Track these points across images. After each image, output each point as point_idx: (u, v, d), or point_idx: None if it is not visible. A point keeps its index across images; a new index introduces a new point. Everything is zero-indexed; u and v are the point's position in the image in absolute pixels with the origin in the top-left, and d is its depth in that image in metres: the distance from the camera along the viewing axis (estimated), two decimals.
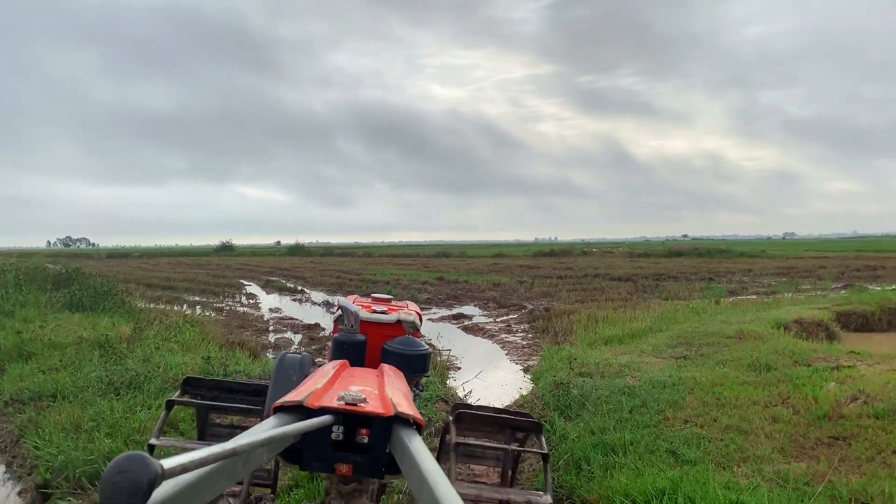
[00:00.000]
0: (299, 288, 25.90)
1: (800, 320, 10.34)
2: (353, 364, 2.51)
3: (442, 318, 15.75)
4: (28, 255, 48.95)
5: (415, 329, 3.21)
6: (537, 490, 2.74)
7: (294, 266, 44.67)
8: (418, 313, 3.48)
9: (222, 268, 45.91)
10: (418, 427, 1.61)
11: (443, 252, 69.06)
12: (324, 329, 13.95)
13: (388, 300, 3.63)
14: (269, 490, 3.21)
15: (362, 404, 1.60)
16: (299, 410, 1.56)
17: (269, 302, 21.28)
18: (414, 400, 2.42)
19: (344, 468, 1.59)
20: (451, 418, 2.92)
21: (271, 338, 12.78)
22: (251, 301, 21.62)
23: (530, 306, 17.69)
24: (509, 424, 2.92)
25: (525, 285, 23.90)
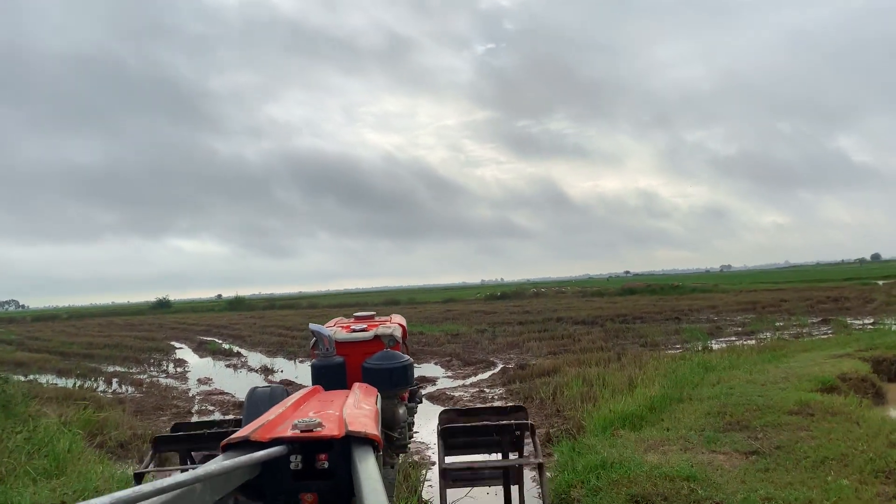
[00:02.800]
0: (235, 350, 23.28)
1: (843, 376, 8.61)
2: (333, 387, 2.48)
3: None
4: None
5: (395, 342, 3.07)
6: None
7: (232, 322, 41.87)
8: (402, 325, 3.36)
9: (155, 327, 42.97)
10: (375, 445, 1.57)
11: (391, 299, 66.73)
12: None
13: (371, 316, 3.52)
14: None
15: (318, 429, 1.56)
16: (247, 445, 1.51)
17: (199, 369, 18.68)
18: (410, 413, 2.76)
19: (308, 498, 1.55)
20: (438, 430, 2.99)
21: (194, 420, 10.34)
22: (179, 369, 18.98)
23: (500, 363, 15.64)
24: (503, 430, 2.88)
25: (487, 335, 21.90)
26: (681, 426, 6.43)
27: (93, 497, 0.83)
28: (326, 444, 1.55)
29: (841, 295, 34.64)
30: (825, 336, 17.29)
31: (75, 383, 15.85)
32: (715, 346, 16.05)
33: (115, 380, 16.50)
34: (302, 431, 1.55)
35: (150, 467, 2.72)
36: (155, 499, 1.05)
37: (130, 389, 15.01)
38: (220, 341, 28.14)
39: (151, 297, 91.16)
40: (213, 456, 3.00)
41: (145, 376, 17.43)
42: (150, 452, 2.83)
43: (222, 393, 13.57)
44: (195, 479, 1.17)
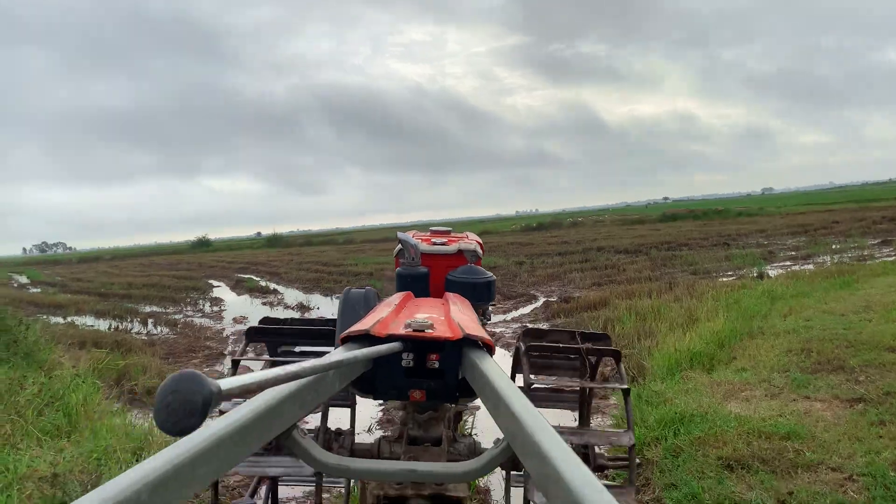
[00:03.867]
0: (272, 287, 23.00)
1: None
2: (417, 296, 2.51)
3: None
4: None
5: (476, 258, 3.05)
6: (616, 429, 2.72)
7: (270, 259, 41.88)
8: (479, 242, 3.36)
9: (194, 266, 43.18)
10: (489, 349, 1.63)
11: None
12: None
13: (447, 232, 3.52)
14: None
15: (430, 330, 1.63)
16: (366, 339, 1.58)
17: (235, 308, 18.40)
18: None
19: (417, 394, 1.64)
20: (519, 347, 2.74)
21: (226, 365, 9.93)
22: (214, 308, 18.73)
23: (541, 296, 14.94)
24: (586, 351, 2.67)
25: (525, 267, 21.16)
26: (760, 366, 5.66)
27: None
28: (439, 344, 1.63)
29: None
30: (892, 258, 16.16)
31: (110, 325, 15.70)
32: (771, 273, 15.11)
33: (150, 320, 16.28)
34: (415, 331, 1.61)
35: (247, 356, 2.78)
36: (294, 382, 1.14)
37: (165, 330, 14.76)
38: (258, 279, 27.96)
39: (192, 236, 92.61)
40: (291, 352, 3.03)
41: (181, 316, 17.21)
42: (244, 342, 2.88)
43: None
44: (329, 366, 1.25)
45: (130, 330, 15.01)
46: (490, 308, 3.31)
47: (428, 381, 1.64)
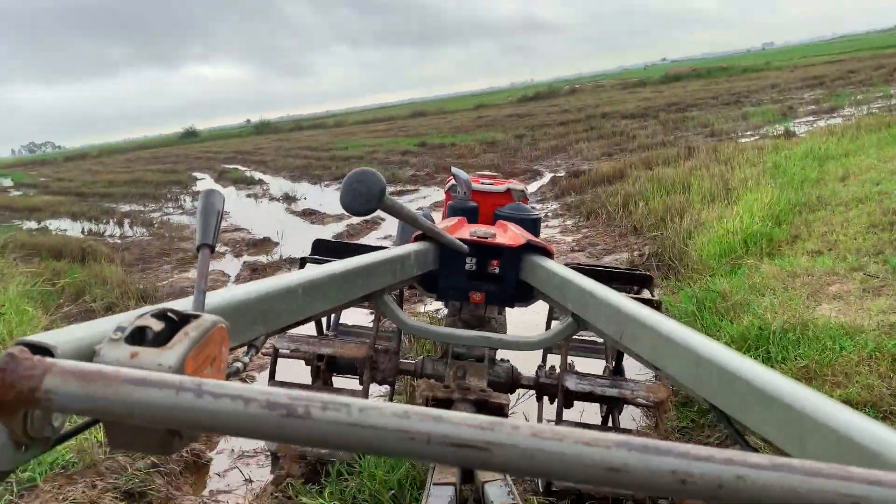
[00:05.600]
0: (257, 177, 21.67)
1: None
2: None
3: (436, 205, 11.74)
4: None
5: (524, 197, 3.17)
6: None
7: (258, 148, 40.26)
8: (525, 186, 3.41)
9: (181, 158, 41.72)
10: (548, 254, 1.80)
11: (418, 111, 63.79)
12: (277, 244, 10.05)
13: (495, 176, 3.54)
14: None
15: (492, 238, 1.81)
16: (433, 240, 1.75)
17: None
18: None
19: (477, 296, 1.82)
20: None
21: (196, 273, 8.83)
22: (196, 204, 17.46)
23: (547, 171, 13.67)
24: (617, 278, 2.60)
25: (527, 140, 19.70)
26: (840, 248, 4.52)
27: None
28: (500, 251, 1.79)
29: None
30: None
31: (83, 228, 14.57)
32: (798, 130, 13.74)
33: (126, 221, 15.11)
34: (479, 237, 1.80)
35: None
36: (383, 252, 1.45)
37: (141, 231, 13.63)
38: (244, 169, 26.58)
39: (181, 127, 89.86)
40: None
41: (159, 214, 16.04)
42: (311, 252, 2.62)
43: (237, 229, 12.04)
44: (408, 253, 1.51)
45: (104, 233, 13.89)
46: None
47: (488, 284, 1.80)
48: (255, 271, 8.21)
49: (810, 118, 16.85)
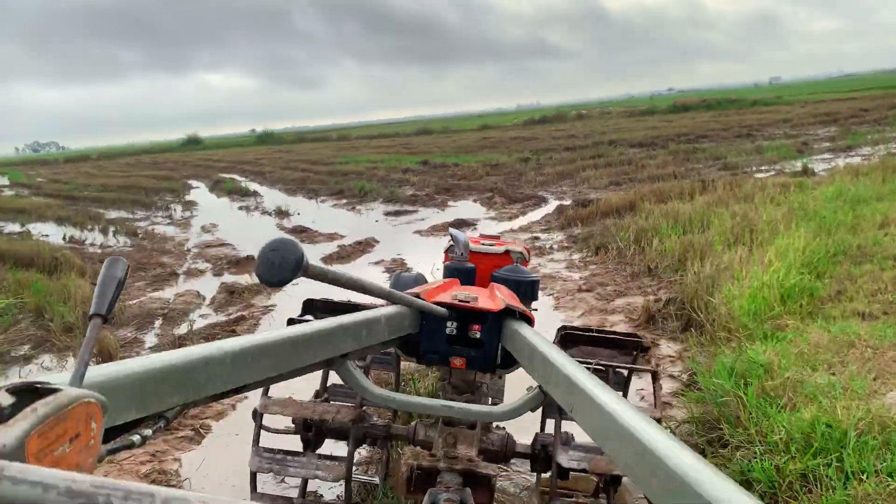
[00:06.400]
0: (252, 189, 21.02)
1: None
2: None
3: (434, 229, 11.08)
4: None
5: (523, 259, 3.15)
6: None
7: (259, 158, 39.76)
8: (525, 248, 3.43)
9: (180, 165, 41.19)
10: (528, 321, 1.77)
11: (423, 129, 63.38)
12: None
13: (497, 237, 3.63)
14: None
15: (474, 302, 1.76)
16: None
17: (208, 213, 16.56)
18: None
19: (458, 361, 1.79)
20: (556, 339, 2.71)
21: (170, 292, 8.16)
22: (186, 213, 16.87)
23: (552, 198, 13.02)
24: (616, 345, 2.60)
25: (531, 164, 19.09)
26: (891, 310, 3.85)
27: None
28: (482, 316, 1.75)
29: None
30: None
31: (65, 235, 13.91)
32: (817, 168, 13.13)
33: (111, 228, 14.45)
34: (460, 301, 1.75)
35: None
36: (350, 316, 1.36)
37: (123, 241, 12.97)
38: (241, 179, 25.99)
39: (185, 134, 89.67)
40: None
41: (146, 223, 15.38)
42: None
43: (222, 244, 11.38)
44: (378, 317, 1.43)
45: (84, 241, 13.23)
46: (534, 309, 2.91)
47: (469, 349, 1.76)
48: (232, 294, 7.53)
49: (827, 155, 16.26)
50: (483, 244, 3.22)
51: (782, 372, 3.05)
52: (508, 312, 1.76)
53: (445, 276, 2.86)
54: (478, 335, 1.74)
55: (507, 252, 3.17)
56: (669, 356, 4.57)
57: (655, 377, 2.42)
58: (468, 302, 1.74)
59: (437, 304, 1.71)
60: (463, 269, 2.84)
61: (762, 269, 4.80)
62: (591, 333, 2.62)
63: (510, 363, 1.78)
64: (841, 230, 6.07)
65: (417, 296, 1.68)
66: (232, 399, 4.41)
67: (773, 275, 4.54)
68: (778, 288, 4.37)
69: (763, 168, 14.56)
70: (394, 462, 3.28)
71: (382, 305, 2.91)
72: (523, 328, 1.67)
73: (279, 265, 0.99)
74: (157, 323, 6.74)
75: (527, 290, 2.70)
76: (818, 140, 19.99)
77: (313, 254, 10.00)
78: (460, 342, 1.78)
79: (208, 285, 8.33)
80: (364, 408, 2.41)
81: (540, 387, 1.49)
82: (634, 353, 2.65)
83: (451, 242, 3.01)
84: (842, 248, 5.37)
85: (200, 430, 3.97)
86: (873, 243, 5.40)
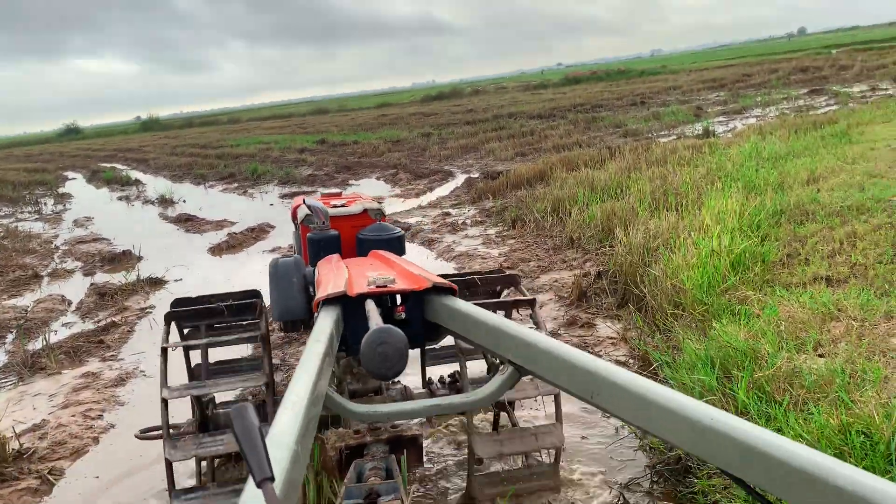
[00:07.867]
0: (134, 178, 19.39)
1: None
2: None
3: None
4: None
5: (381, 215, 3.10)
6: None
7: (143, 145, 37.37)
8: (374, 198, 3.39)
9: (55, 156, 38.15)
10: (452, 292, 1.73)
11: (319, 108, 61.54)
12: (140, 258, 8.33)
13: (338, 194, 3.59)
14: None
15: (392, 284, 1.74)
16: (342, 300, 1.69)
17: (84, 206, 15.02)
18: None
19: None
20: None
21: (30, 298, 7.03)
22: (58, 207, 15.25)
23: (459, 172, 12.48)
24: (487, 283, 2.76)
25: (434, 139, 18.47)
26: (871, 276, 3.47)
27: None
28: (404, 296, 1.73)
29: (804, 66, 31.84)
30: (831, 108, 14.57)
31: None
32: (717, 130, 13.16)
33: None
34: (379, 287, 1.71)
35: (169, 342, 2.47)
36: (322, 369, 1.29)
37: None
38: (122, 167, 24.07)
39: (63, 124, 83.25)
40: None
41: (10, 220, 13.71)
42: (164, 327, 2.56)
43: (96, 239, 10.16)
44: (330, 335, 1.42)
45: None
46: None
47: None
48: (103, 296, 6.52)
49: (721, 118, 16.50)
50: (337, 206, 3.10)
51: (772, 360, 2.54)
52: (434, 289, 1.71)
53: (309, 247, 2.80)
54: (402, 315, 1.72)
55: (364, 211, 3.09)
56: (610, 338, 4.07)
57: (533, 305, 2.53)
58: (387, 286, 1.71)
59: (361, 294, 1.66)
60: (327, 237, 2.79)
61: (702, 235, 4.36)
62: (466, 278, 2.73)
63: (434, 336, 1.77)
64: (768, 190, 5.77)
65: (345, 294, 1.67)
66: (91, 433, 3.55)
67: (717, 240, 4.10)
68: (728, 255, 3.93)
69: (663, 133, 14.55)
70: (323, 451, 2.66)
71: (254, 296, 2.77)
72: (456, 302, 1.66)
73: (395, 356, 1.21)
74: (9, 338, 5.68)
75: (395, 246, 2.70)
76: (710, 104, 20.38)
77: (199, 245, 9.01)
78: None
79: (77, 287, 7.25)
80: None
81: (513, 364, 1.43)
82: (510, 287, 2.87)
83: (306, 211, 2.94)
84: (779, 208, 5.04)
85: (49, 477, 3.12)
86: (810, 201, 5.11)
